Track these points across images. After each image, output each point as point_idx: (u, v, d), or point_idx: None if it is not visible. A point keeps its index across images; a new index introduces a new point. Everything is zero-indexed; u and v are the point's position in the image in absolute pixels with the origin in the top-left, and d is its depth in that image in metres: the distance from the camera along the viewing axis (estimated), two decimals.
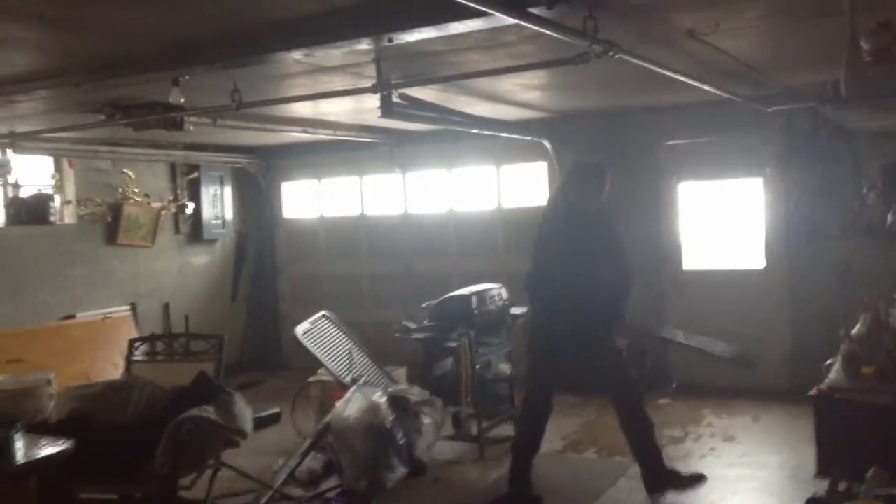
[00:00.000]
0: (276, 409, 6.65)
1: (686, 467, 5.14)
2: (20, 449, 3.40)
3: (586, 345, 4.72)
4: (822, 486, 3.82)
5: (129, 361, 5.01)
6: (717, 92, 5.31)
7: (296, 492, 4.78)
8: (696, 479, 4.87)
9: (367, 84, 4.73)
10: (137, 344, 5.14)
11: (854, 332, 4.03)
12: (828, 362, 4.26)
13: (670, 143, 7.28)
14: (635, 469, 5.17)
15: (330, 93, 5.22)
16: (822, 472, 3.75)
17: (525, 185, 8.20)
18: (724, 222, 7.43)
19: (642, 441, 4.79)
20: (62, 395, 4.63)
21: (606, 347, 4.73)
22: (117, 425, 4.15)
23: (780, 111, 6.29)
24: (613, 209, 5.07)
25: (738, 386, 6.61)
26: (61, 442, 3.53)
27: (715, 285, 7.22)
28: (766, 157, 6.94)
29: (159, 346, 5.33)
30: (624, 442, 5.23)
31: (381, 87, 4.72)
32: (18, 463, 3.37)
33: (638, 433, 4.79)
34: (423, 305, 6.20)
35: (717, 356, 4.79)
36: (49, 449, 3.48)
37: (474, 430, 5.74)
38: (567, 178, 4.96)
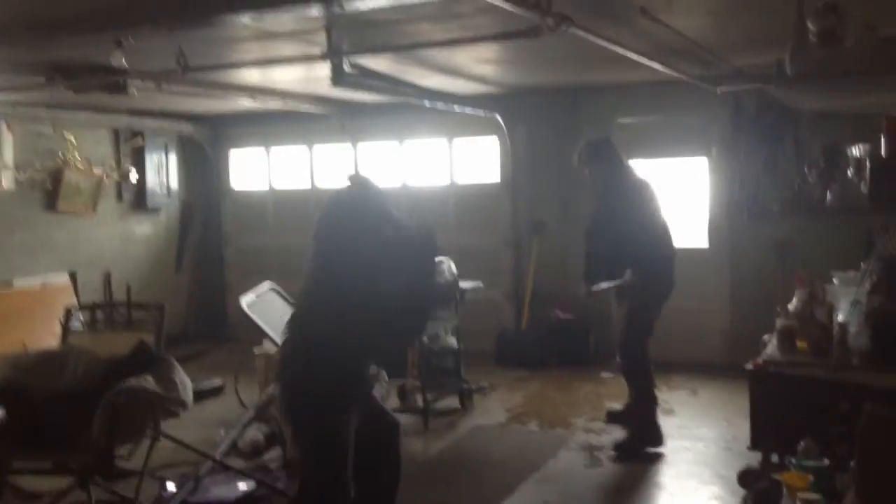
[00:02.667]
0: (218, 382, 6.64)
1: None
2: None
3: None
4: (755, 458, 3.94)
5: (65, 330, 4.87)
6: (667, 71, 5.35)
7: (237, 463, 4.73)
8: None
9: (318, 52, 4.65)
10: (75, 312, 4.99)
11: (790, 307, 4.13)
12: (765, 337, 4.37)
13: (622, 121, 7.33)
14: (575, 440, 5.29)
15: (279, 58, 5.12)
16: (755, 444, 3.84)
17: (477, 159, 8.18)
18: (670, 201, 7.51)
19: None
20: None
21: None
22: (52, 394, 4.04)
23: (728, 92, 6.37)
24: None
25: (678, 361, 6.75)
26: None
27: None
28: (712, 138, 7.07)
29: (100, 316, 5.19)
30: (564, 415, 5.30)
31: (332, 54, 4.64)
32: None
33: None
34: None
35: None
36: None
37: (419, 402, 5.77)
38: (608, 156, 5.16)
